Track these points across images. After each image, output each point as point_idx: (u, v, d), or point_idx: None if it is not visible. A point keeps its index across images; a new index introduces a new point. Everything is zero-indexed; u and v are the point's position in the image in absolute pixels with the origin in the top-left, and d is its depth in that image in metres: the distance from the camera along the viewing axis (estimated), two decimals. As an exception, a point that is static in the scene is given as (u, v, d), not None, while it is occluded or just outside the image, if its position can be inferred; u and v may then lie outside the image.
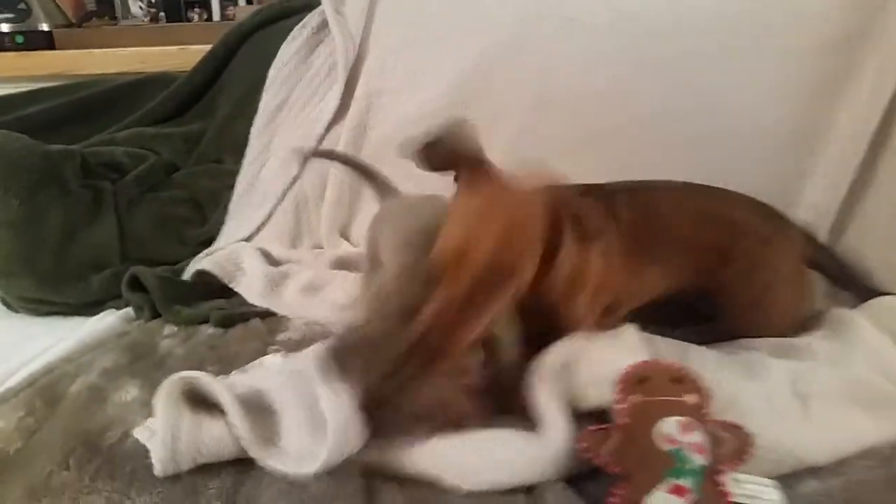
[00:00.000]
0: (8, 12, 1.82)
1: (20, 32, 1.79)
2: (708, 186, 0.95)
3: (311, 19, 1.26)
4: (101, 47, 1.76)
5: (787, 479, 0.70)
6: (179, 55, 1.60)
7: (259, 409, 0.69)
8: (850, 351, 0.88)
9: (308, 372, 0.69)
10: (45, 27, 1.83)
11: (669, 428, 0.63)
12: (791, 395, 0.80)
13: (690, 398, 0.67)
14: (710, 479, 0.61)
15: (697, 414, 0.66)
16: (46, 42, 1.80)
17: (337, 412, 0.63)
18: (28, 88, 1.56)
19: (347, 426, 0.63)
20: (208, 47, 1.45)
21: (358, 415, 0.63)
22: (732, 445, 0.65)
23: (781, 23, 1.10)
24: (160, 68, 1.62)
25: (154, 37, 1.80)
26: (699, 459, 0.61)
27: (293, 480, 0.63)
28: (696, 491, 0.60)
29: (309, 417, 0.66)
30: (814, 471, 0.71)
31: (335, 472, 0.66)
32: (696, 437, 0.63)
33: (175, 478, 0.65)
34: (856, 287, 1.03)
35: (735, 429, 0.66)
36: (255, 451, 0.65)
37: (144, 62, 1.67)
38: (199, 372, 0.70)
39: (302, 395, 0.68)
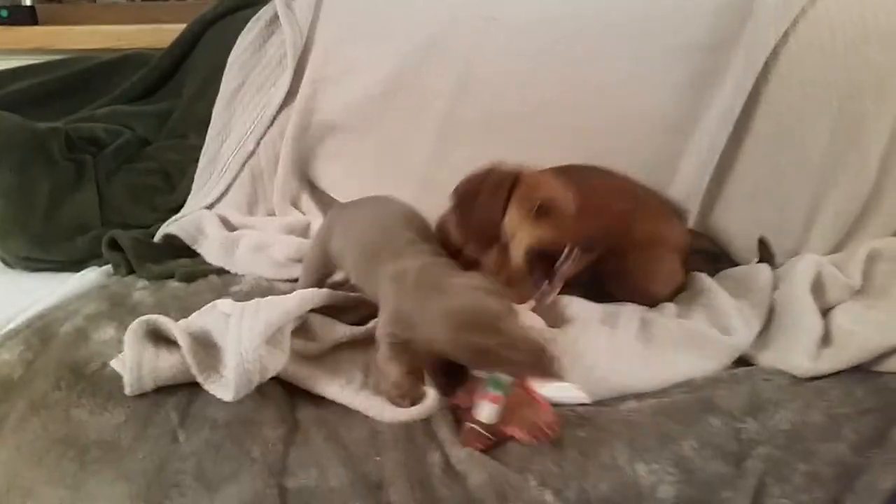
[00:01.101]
0: (-7, -13, 1.95)
1: (4, 7, 1.92)
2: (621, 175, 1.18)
3: (266, 12, 1.42)
4: (80, 23, 1.89)
5: (614, 400, 0.91)
6: (154, 33, 1.74)
7: (208, 345, 0.90)
8: (695, 307, 1.10)
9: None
10: (28, 2, 1.96)
11: None
12: (634, 338, 1.01)
13: None
14: (518, 386, 0.82)
15: None
16: (30, 17, 1.93)
17: (239, 354, 0.84)
18: (10, 61, 1.70)
19: (249, 367, 0.83)
20: (182, 26, 1.60)
21: (263, 354, 0.84)
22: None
23: (668, 26, 1.27)
24: (136, 45, 1.76)
25: (131, 14, 1.94)
26: (506, 378, 0.82)
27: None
28: (505, 394, 0.81)
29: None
30: (639, 395, 0.93)
31: (265, 391, 0.87)
32: None
33: (142, 396, 0.86)
34: (728, 263, 1.24)
35: None
36: (199, 378, 0.86)
37: (121, 39, 1.81)
38: (159, 315, 0.90)
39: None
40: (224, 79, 1.41)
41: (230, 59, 1.41)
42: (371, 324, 0.98)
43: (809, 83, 1.20)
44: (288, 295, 0.97)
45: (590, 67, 1.28)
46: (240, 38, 1.42)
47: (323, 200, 1.24)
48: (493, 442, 0.81)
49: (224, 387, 0.85)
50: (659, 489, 0.77)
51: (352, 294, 1.04)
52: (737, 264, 1.22)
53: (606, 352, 0.95)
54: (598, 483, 0.77)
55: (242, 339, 0.85)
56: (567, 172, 1.05)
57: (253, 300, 0.93)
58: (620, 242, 1.09)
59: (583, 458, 0.81)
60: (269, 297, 0.95)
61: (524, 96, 1.31)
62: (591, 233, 0.94)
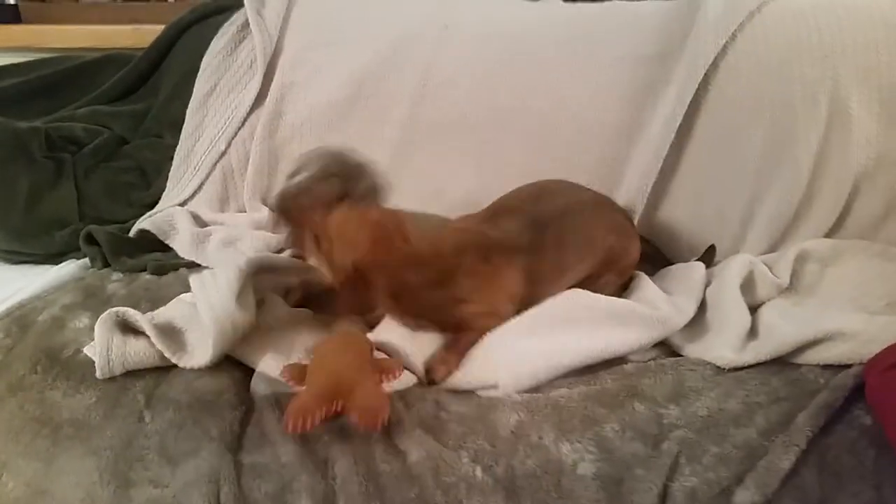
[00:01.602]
0: (-24, -14, 2.01)
1: (-12, 6, 1.99)
2: (600, 196, 1.24)
3: (238, 18, 1.49)
4: (63, 23, 1.97)
5: (546, 387, 0.99)
6: (133, 34, 1.81)
7: (173, 331, 0.98)
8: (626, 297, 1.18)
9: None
10: (12, 0, 2.02)
11: None
12: (560, 317, 1.07)
13: None
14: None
15: None
16: (13, 15, 1.99)
17: (212, 315, 0.93)
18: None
19: (223, 324, 0.93)
20: (160, 27, 1.67)
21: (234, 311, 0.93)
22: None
23: (615, 38, 1.35)
24: (117, 45, 1.83)
25: (113, 14, 2.00)
26: None
27: (192, 379, 0.93)
28: None
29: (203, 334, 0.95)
30: (571, 382, 1.00)
31: (225, 375, 0.95)
32: None
33: (111, 379, 0.94)
34: (663, 262, 1.32)
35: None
36: (172, 358, 0.94)
37: (103, 39, 1.88)
38: (126, 308, 0.97)
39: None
40: (197, 81, 1.48)
41: (203, 63, 1.49)
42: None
43: (746, 94, 1.28)
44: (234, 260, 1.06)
45: (541, 76, 1.35)
46: (213, 43, 1.49)
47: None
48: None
49: (197, 356, 0.95)
50: (579, 466, 0.84)
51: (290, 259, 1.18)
52: (671, 263, 1.30)
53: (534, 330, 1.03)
54: (525, 460, 0.85)
55: (212, 300, 0.94)
56: (558, 214, 1.13)
57: (206, 271, 1.02)
58: (600, 268, 1.17)
59: (514, 438, 0.88)
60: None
61: (479, 102, 1.38)
62: None
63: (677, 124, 1.29)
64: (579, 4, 1.43)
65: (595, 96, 1.34)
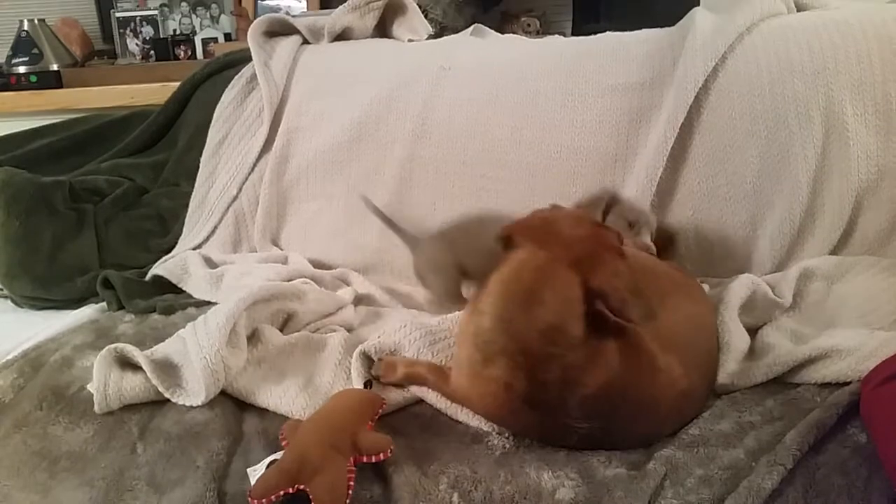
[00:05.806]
0: (23, 56, 2.16)
1: (34, 73, 2.13)
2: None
3: (247, 70, 1.57)
4: (100, 84, 2.09)
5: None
6: (162, 91, 1.91)
7: (169, 366, 1.02)
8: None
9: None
10: (54, 67, 2.16)
11: None
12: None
13: None
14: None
15: None
16: (55, 80, 2.14)
17: (203, 359, 0.97)
18: (38, 120, 1.88)
19: (214, 368, 0.96)
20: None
21: (225, 355, 0.97)
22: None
23: (605, 67, 1.37)
24: (147, 102, 1.94)
25: (145, 74, 2.12)
26: None
27: (184, 411, 0.97)
28: None
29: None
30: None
31: (216, 406, 0.98)
32: None
33: (109, 413, 0.98)
34: None
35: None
36: (166, 394, 0.98)
37: (134, 97, 2.01)
38: (125, 344, 1.02)
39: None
40: (210, 131, 1.55)
41: (215, 114, 1.56)
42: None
43: (739, 115, 1.28)
44: (228, 300, 1.08)
45: (533, 108, 1.38)
46: (224, 94, 1.57)
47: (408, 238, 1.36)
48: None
49: (192, 395, 0.98)
50: (558, 491, 0.84)
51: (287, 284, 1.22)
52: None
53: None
54: (504, 486, 0.85)
55: (202, 345, 0.98)
56: None
57: (201, 315, 1.05)
58: None
59: (497, 466, 0.89)
60: (213, 307, 1.08)
61: (475, 137, 1.41)
62: None
63: (669, 148, 1.29)
64: (571, 38, 1.45)
65: (588, 125, 1.35)
